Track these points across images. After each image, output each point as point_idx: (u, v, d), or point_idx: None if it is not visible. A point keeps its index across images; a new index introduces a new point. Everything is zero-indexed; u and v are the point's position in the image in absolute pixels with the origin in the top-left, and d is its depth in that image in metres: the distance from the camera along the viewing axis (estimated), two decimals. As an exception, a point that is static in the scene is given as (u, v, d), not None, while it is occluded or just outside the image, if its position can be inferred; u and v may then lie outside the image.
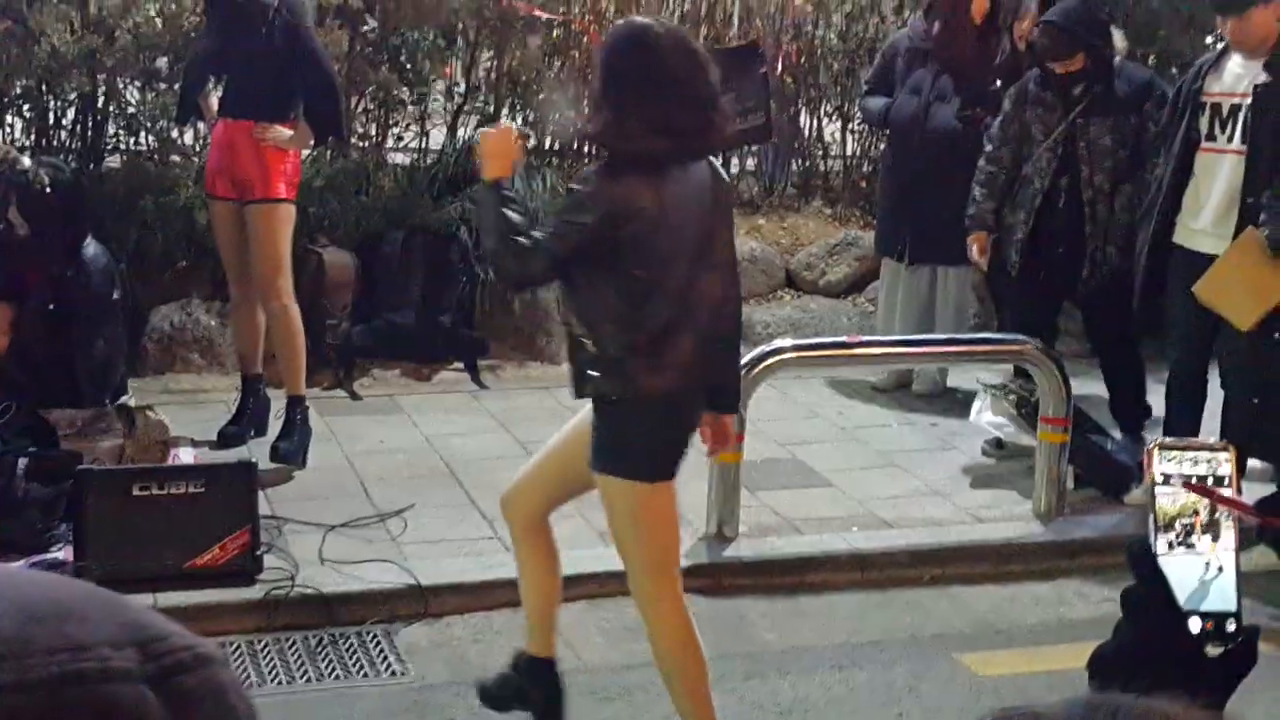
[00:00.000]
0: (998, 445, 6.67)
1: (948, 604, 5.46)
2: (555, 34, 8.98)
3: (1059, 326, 6.95)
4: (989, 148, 6.64)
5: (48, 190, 5.89)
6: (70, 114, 8.04)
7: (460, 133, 8.79)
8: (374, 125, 8.70)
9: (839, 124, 9.74)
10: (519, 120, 9.03)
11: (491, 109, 8.89)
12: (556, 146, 9.21)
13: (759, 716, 4.51)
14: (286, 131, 6.25)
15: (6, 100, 7.75)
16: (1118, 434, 6.58)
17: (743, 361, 5.63)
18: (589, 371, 3.83)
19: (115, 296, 6.13)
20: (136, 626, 0.61)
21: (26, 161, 6.03)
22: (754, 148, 9.44)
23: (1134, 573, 1.38)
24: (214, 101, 6.50)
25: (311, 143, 6.59)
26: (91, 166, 7.93)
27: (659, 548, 4.03)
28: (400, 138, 8.82)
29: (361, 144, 8.62)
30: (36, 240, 5.87)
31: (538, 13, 8.74)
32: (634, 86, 3.67)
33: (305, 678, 4.68)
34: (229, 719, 0.62)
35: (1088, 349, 7.27)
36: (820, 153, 9.78)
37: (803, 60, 9.47)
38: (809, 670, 4.84)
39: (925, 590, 5.55)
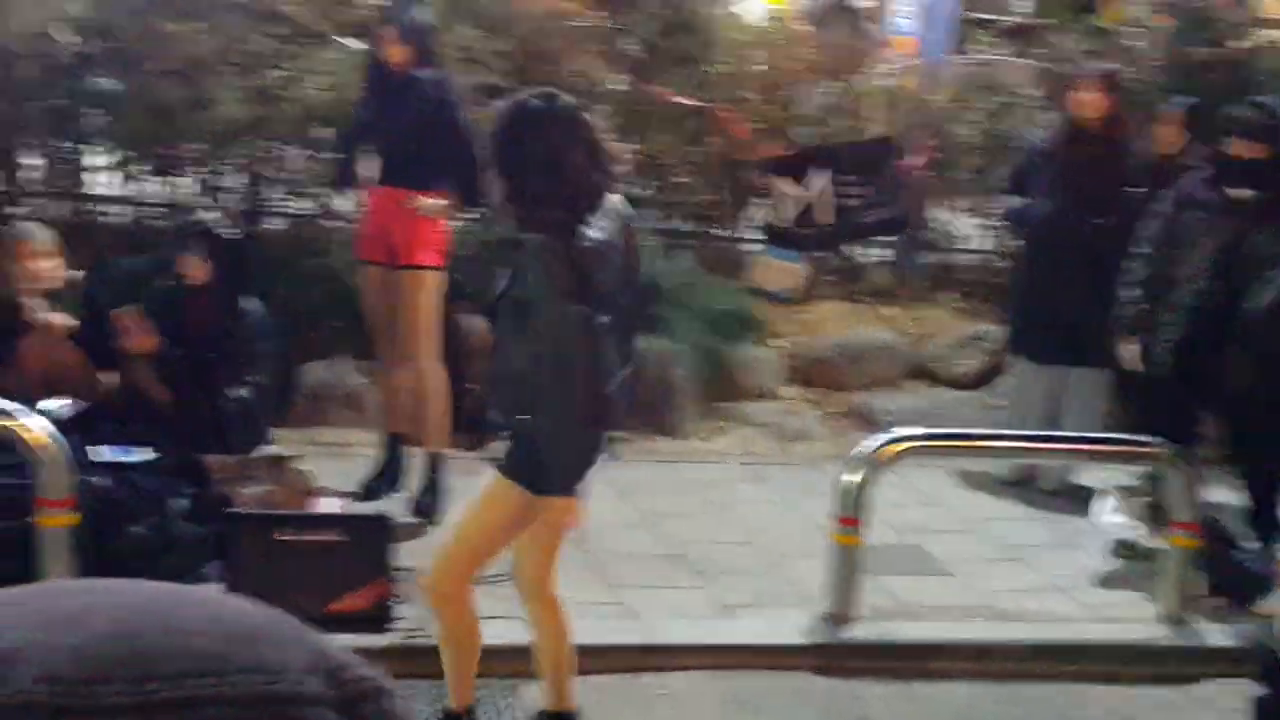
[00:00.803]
0: (1129, 546, 6.58)
1: (1065, 701, 5.41)
2: (698, 123, 9.12)
3: (1201, 431, 6.84)
4: (1144, 249, 6.58)
5: (222, 241, 6.18)
6: (237, 178, 8.34)
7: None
8: (521, 200, 8.86)
9: (975, 220, 9.74)
10: (657, 202, 9.18)
11: (632, 190, 9.04)
12: (692, 228, 9.34)
13: (871, 796, 4.51)
14: (437, 201, 6.44)
15: (180, 161, 8.06)
16: (1251, 543, 6.45)
17: (867, 447, 5.69)
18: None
19: (268, 350, 6.35)
20: (322, 654, 0.64)
21: (206, 215, 6.33)
22: (888, 239, 9.48)
23: (1266, 681, 1.40)
24: (370, 170, 6.71)
25: (457, 212, 6.78)
26: (254, 227, 8.20)
27: (494, 548, 4.31)
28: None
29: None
30: (203, 288, 6.13)
31: (679, 99, 8.89)
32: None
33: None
34: None
35: (1222, 455, 7.15)
36: (955, 248, 9.77)
37: (940, 155, 9.50)
38: (922, 754, 4.82)
39: (1043, 685, 5.50)
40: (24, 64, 7.78)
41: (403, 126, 6.42)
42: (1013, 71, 10.56)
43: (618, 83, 8.88)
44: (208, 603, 0.65)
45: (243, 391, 6.28)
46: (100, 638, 0.59)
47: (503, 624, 5.29)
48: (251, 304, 6.30)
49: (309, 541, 5.23)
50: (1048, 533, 6.97)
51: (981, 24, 11.99)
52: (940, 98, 9.59)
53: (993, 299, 9.42)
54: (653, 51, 8.81)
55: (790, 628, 5.59)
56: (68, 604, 0.61)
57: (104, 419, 6.06)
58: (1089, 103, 7.18)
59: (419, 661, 5.05)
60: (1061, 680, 5.54)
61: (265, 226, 8.30)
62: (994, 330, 8.93)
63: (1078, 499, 7.36)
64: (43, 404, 5.95)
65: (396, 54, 6.31)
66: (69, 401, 6.05)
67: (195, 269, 6.27)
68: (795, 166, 8.76)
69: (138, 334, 6.20)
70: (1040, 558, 6.58)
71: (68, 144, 8.22)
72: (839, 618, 5.65)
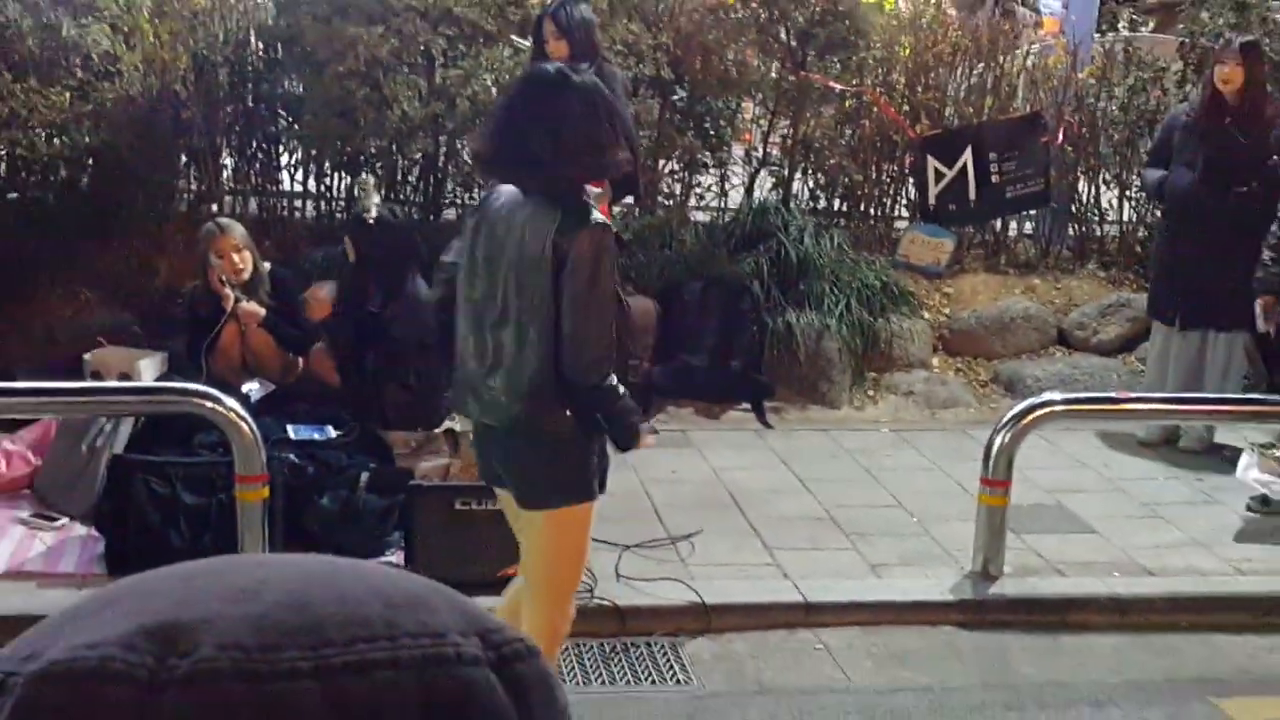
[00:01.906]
0: (1264, 502, 6.43)
1: (1206, 650, 5.31)
2: (848, 103, 9.08)
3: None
4: None
5: (377, 224, 6.37)
6: (415, 172, 8.52)
7: (756, 193, 8.96)
8: (679, 185, 8.94)
9: (1116, 191, 9.54)
10: (811, 182, 9.16)
11: (786, 172, 9.04)
12: (845, 208, 9.30)
13: (1016, 745, 4.48)
14: (595, 189, 6.50)
15: (363, 158, 8.25)
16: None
17: (1013, 412, 5.64)
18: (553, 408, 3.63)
19: (430, 327, 6.50)
20: (474, 617, 0.63)
21: (373, 201, 6.51)
22: (1033, 212, 9.33)
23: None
24: None
25: (613, 200, 6.84)
26: (431, 218, 8.38)
27: (575, 571, 3.92)
28: (702, 197, 9.04)
29: (667, 202, 8.87)
30: (361, 268, 6.32)
31: (832, 84, 8.85)
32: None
33: (599, 680, 4.85)
34: (554, 706, 0.63)
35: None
36: (1097, 218, 9.58)
37: (1084, 130, 9.32)
38: (1066, 705, 4.77)
39: (1183, 636, 5.40)
40: (220, 71, 8.04)
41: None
42: (1155, 47, 10.30)
43: (773, 70, 8.86)
44: (369, 574, 0.65)
45: (409, 370, 6.50)
46: (276, 607, 0.60)
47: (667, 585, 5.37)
48: (420, 288, 6.47)
49: (486, 511, 5.32)
50: (1188, 490, 6.82)
51: (1123, 1, 11.68)
52: (1084, 75, 9.39)
53: (1134, 268, 9.23)
54: (805, 39, 8.77)
55: (939, 585, 5.56)
56: (243, 577, 0.63)
57: (296, 400, 6.26)
58: (1230, 75, 6.98)
59: (588, 621, 5.16)
60: (1201, 631, 5.43)
61: (443, 219, 8.45)
62: (1135, 298, 8.75)
63: (1218, 458, 7.19)
64: (244, 387, 6.19)
65: (557, 49, 6.38)
66: (262, 384, 6.26)
67: (350, 252, 6.48)
68: (944, 145, 8.65)
69: (319, 305, 6.42)
70: (1180, 514, 6.45)
71: (260, 144, 8.46)
72: (985, 575, 5.61)
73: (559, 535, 3.78)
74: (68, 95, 7.64)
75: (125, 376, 6.59)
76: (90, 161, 7.92)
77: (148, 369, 6.69)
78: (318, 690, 0.58)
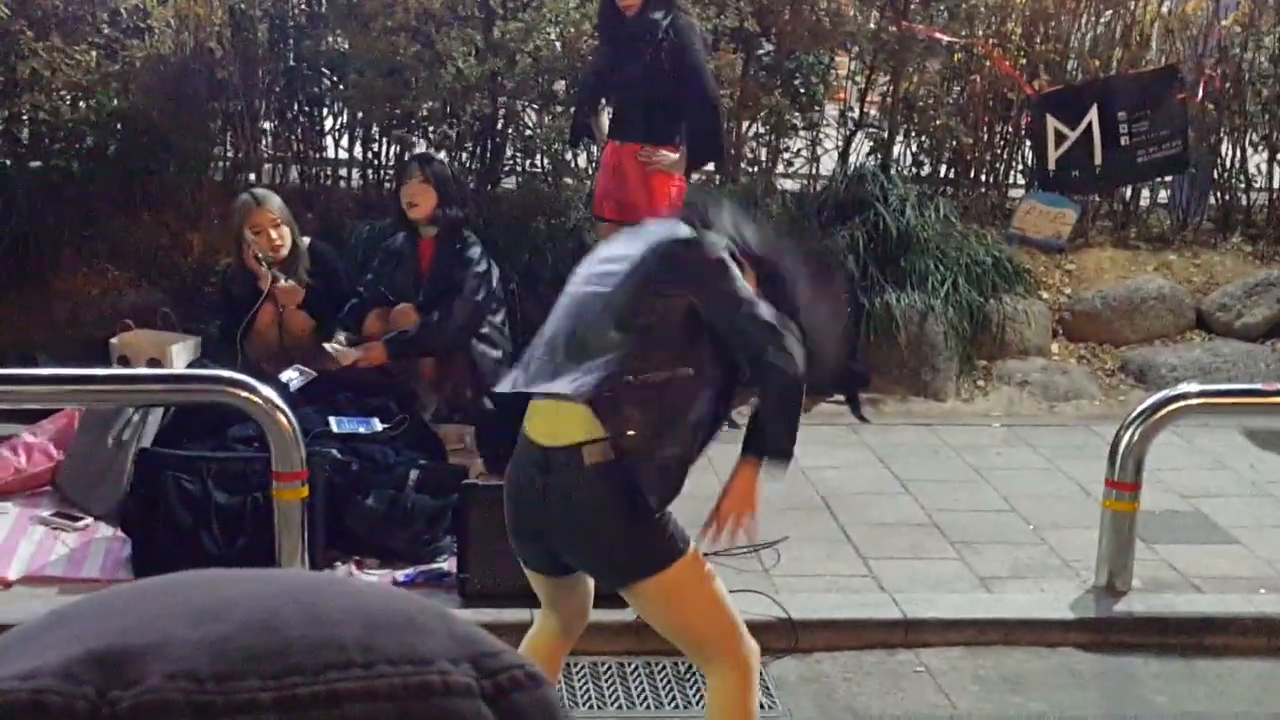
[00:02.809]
0: None
1: (1365, 679, 5.20)
2: (956, 57, 8.97)
3: None
4: None
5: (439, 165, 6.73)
6: (471, 137, 8.53)
7: (852, 158, 8.88)
8: (764, 149, 8.88)
9: (1266, 154, 9.36)
10: (914, 146, 9.07)
11: (885, 134, 8.95)
12: (952, 174, 9.20)
13: (1144, 783, 4.41)
14: (670, 155, 6.48)
15: (414, 122, 8.27)
16: None
17: (1144, 405, 5.55)
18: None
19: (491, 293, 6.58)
20: (469, 641, 0.62)
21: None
22: (1167, 179, 9.18)
23: None
24: (605, 123, 6.79)
25: (692, 165, 6.80)
26: (490, 188, 8.39)
27: (717, 611, 3.64)
28: (790, 162, 8.98)
29: (751, 169, 8.82)
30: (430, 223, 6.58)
31: (938, 35, 8.75)
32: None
33: (672, 704, 4.83)
34: None
35: None
36: (1243, 185, 9.41)
37: (1227, 85, 9.15)
38: (1202, 738, 4.69)
39: (1339, 662, 5.30)
40: (259, 27, 8.08)
41: (635, 75, 6.46)
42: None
43: (871, 19, 8.78)
44: (349, 590, 0.64)
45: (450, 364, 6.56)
46: (238, 630, 0.58)
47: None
48: (475, 250, 6.57)
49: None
50: (1348, 496, 6.69)
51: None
52: (1228, 22, 9.21)
53: (1285, 241, 9.07)
54: (907, -16, 8.70)
55: (1056, 601, 5.48)
56: (203, 595, 0.61)
57: (339, 389, 6.29)
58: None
59: (660, 638, 5.13)
60: (1362, 659, 5.32)
61: (501, 188, 8.46)
62: (1286, 275, 8.60)
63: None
64: (283, 375, 6.22)
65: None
66: (302, 372, 6.29)
67: (417, 192, 6.48)
68: (1066, 103, 8.51)
69: (371, 354, 6.49)
70: (1339, 524, 6.32)
71: (301, 107, 8.50)
72: (1110, 590, 5.52)
73: (671, 606, 3.63)
74: (94, 54, 7.73)
75: (155, 363, 6.66)
76: (118, 127, 8.01)
77: (179, 355, 6.76)
78: None
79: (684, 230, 3.56)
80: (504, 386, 3.67)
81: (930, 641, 5.27)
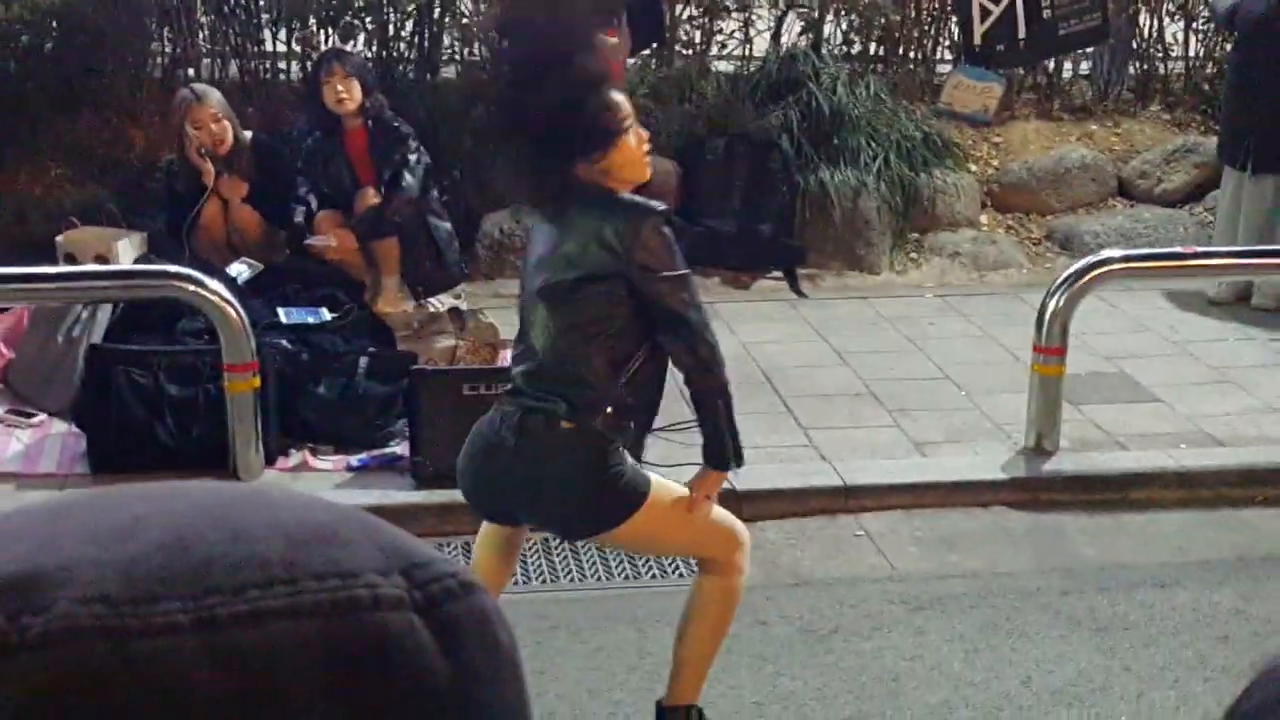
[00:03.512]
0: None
1: (1281, 526, 5.28)
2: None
3: None
4: None
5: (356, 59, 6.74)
6: (408, 26, 8.37)
7: (784, 39, 8.78)
8: (698, 33, 8.77)
9: (1182, 23, 9.33)
10: (843, 25, 8.97)
11: (816, 14, 8.85)
12: (881, 52, 9.11)
13: (1075, 632, 4.46)
14: (610, 39, 6.38)
15: (350, 14, 8.11)
16: None
17: (1068, 272, 5.56)
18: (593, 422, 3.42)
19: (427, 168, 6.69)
20: (398, 552, 0.58)
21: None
22: (1088, 50, 9.13)
23: None
24: None
25: (631, 49, 6.72)
26: (428, 77, 8.25)
27: (699, 528, 3.60)
28: (724, 45, 8.87)
29: (686, 51, 8.71)
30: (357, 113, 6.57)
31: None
32: None
33: (622, 575, 4.86)
34: (494, 650, 0.59)
35: None
36: (1160, 54, 9.38)
37: (1144, -44, 9.09)
38: (1129, 588, 4.75)
39: (1257, 511, 5.36)
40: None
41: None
42: None
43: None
44: (269, 503, 0.59)
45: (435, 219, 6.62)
46: (153, 549, 0.54)
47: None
48: (403, 126, 6.61)
49: (497, 395, 5.29)
50: (1263, 353, 6.75)
51: None
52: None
53: (1201, 108, 9.05)
54: None
55: (988, 463, 5.52)
56: (116, 514, 0.56)
57: (286, 280, 6.21)
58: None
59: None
60: (1277, 506, 5.38)
61: (440, 77, 8.32)
62: (1203, 142, 8.60)
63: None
64: (231, 268, 6.14)
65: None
66: (249, 264, 6.22)
67: (344, 87, 6.43)
68: (988, -22, 8.43)
69: (341, 245, 6.44)
70: (1255, 379, 6.38)
71: (238, 1, 8.31)
72: (1039, 450, 5.56)
73: (647, 542, 3.70)
74: (26, -48, 7.52)
75: (102, 259, 6.54)
76: (54, 25, 7.81)
77: (125, 250, 6.64)
78: (200, 647, 0.52)
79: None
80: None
81: (869, 506, 5.31)
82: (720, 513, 3.65)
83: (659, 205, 3.45)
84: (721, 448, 3.51)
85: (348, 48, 6.70)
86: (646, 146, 3.52)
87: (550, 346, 3.43)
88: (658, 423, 3.62)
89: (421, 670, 0.55)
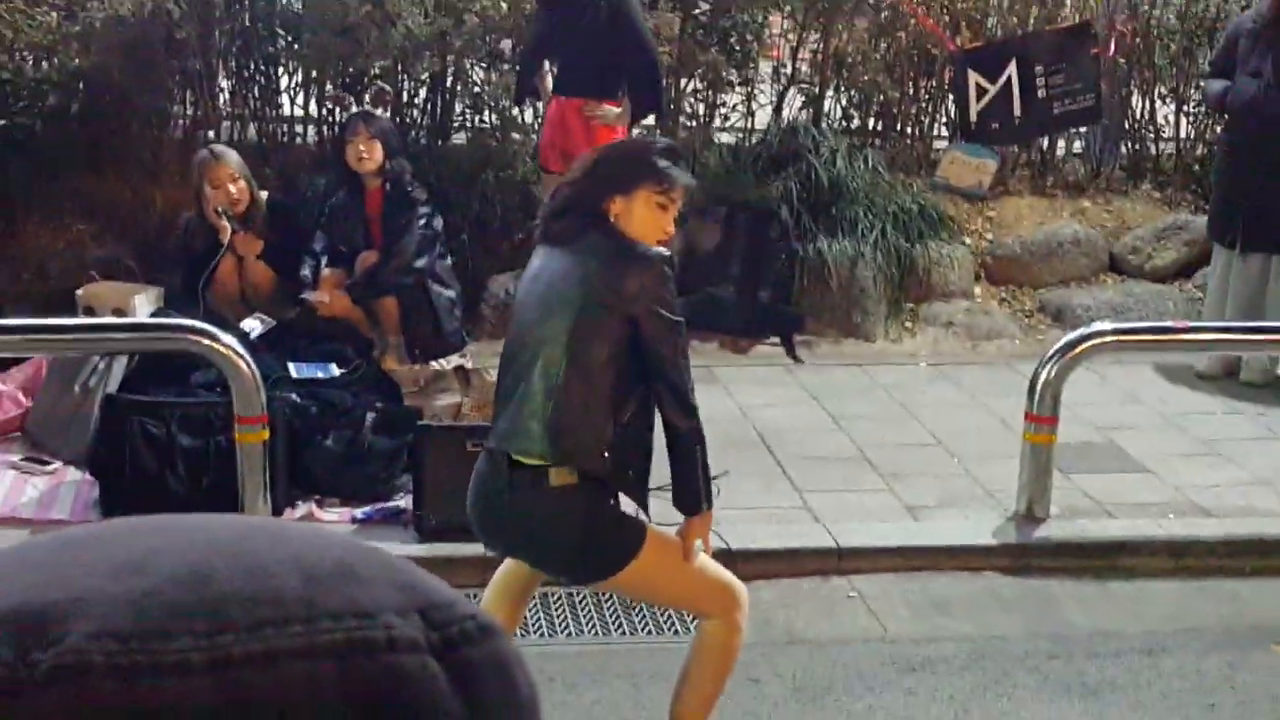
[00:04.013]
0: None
1: (1268, 596, 5.23)
2: (883, 15, 8.92)
3: None
4: None
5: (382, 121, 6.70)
6: (422, 93, 8.42)
7: (785, 113, 8.84)
8: (702, 105, 8.82)
9: (1173, 106, 9.38)
10: (843, 100, 9.03)
11: (817, 89, 8.91)
12: (879, 127, 9.17)
13: (1064, 696, 4.43)
14: (614, 109, 6.45)
15: (366, 80, 8.16)
16: None
17: (1060, 343, 5.56)
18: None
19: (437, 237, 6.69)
20: (417, 592, 0.56)
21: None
22: (1081, 129, 9.19)
23: None
24: (549, 81, 6.73)
25: (632, 119, 6.77)
26: (440, 142, 8.30)
27: (698, 580, 3.60)
28: (727, 117, 8.92)
29: (690, 123, 8.76)
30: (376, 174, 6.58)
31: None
32: None
33: (619, 630, 4.82)
34: (513, 695, 0.57)
35: None
36: (1152, 135, 9.43)
37: (1137, 40, 9.15)
38: (1117, 654, 4.72)
39: (1245, 581, 5.33)
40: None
41: (576, 32, 6.40)
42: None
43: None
44: (285, 538, 0.57)
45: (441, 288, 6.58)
46: (167, 583, 0.52)
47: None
48: (419, 191, 6.62)
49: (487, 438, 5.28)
50: (1250, 426, 6.74)
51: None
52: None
53: (1191, 187, 9.09)
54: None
55: (980, 528, 5.50)
56: (129, 546, 0.54)
57: (298, 336, 6.22)
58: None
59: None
60: (1263, 576, 5.36)
61: (451, 143, 8.37)
62: (1193, 220, 8.63)
63: (1282, 391, 7.11)
64: (244, 323, 6.15)
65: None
66: (262, 321, 6.23)
67: (366, 147, 6.43)
68: (986, 58, 8.50)
69: (334, 303, 6.45)
70: (1242, 452, 6.36)
71: (258, 66, 8.37)
72: (1030, 517, 5.54)
73: (645, 588, 3.67)
74: (55, 16, 7.57)
75: (119, 312, 6.56)
76: (80, 86, 7.85)
77: (142, 304, 6.66)
78: (211, 687, 0.50)
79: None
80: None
81: (862, 568, 5.28)
82: (719, 569, 3.64)
83: (664, 251, 3.47)
84: (696, 493, 3.52)
85: (376, 111, 6.72)
86: (669, 230, 3.54)
87: (546, 387, 3.42)
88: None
89: (437, 715, 0.53)
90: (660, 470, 3.60)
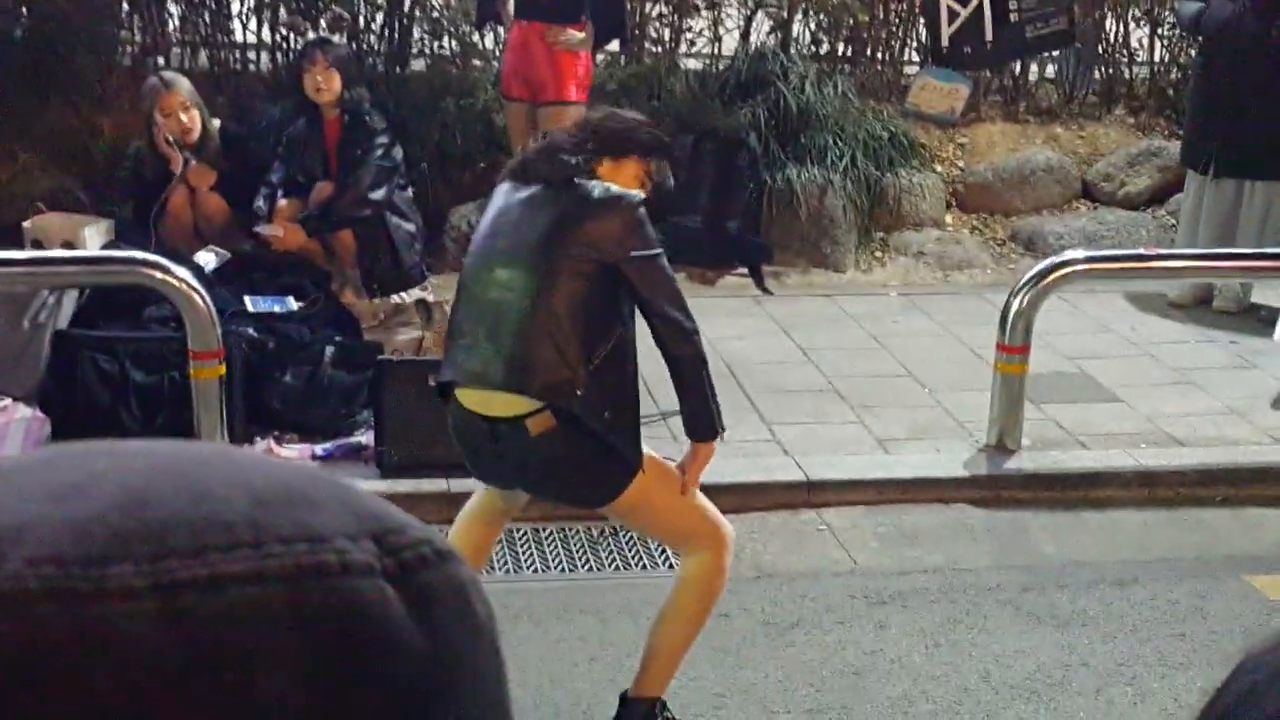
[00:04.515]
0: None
1: (1240, 526, 5.29)
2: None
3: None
4: None
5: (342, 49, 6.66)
6: (379, 18, 8.33)
7: (753, 38, 8.78)
8: (667, 30, 8.75)
9: (1147, 29, 9.37)
10: (812, 25, 8.97)
11: (785, 13, 8.85)
12: (849, 52, 9.12)
13: (1035, 628, 4.47)
14: (577, 34, 6.39)
15: (321, 3, 8.07)
16: None
17: (1032, 272, 5.57)
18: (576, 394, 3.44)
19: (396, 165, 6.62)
20: (371, 516, 0.55)
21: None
22: (1054, 54, 9.16)
23: None
24: (511, 5, 6.66)
25: (595, 44, 6.72)
26: (398, 69, 8.22)
27: (694, 513, 3.66)
28: (693, 42, 8.86)
29: (655, 48, 8.69)
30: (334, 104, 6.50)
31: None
32: None
33: (585, 566, 4.84)
34: (470, 622, 0.56)
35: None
36: (1125, 59, 9.42)
37: (1111, -39, 9.12)
38: (1089, 585, 4.76)
39: (1216, 511, 5.39)
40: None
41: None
42: None
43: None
44: (234, 462, 0.55)
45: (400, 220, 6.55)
46: (109, 508, 0.50)
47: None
48: (377, 121, 6.55)
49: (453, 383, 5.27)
50: (1223, 355, 6.78)
51: None
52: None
53: (1165, 112, 9.10)
54: None
55: (950, 460, 5.53)
56: (73, 471, 0.53)
57: (254, 268, 6.18)
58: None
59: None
60: (1235, 505, 5.41)
61: (410, 70, 8.29)
62: (1167, 146, 8.63)
63: (1254, 319, 7.14)
64: (198, 256, 6.10)
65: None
66: (216, 253, 6.18)
67: (323, 77, 6.38)
68: (956, -19, 8.45)
69: (288, 237, 6.38)
70: (1214, 381, 6.41)
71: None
72: (1001, 448, 5.57)
73: (643, 515, 3.67)
74: (-5, -63, 7.45)
75: (69, 245, 6.48)
76: (23, 11, 7.73)
77: (92, 237, 6.58)
78: (156, 612, 0.48)
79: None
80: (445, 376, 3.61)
81: (831, 501, 5.31)
82: (713, 508, 3.71)
83: (637, 194, 3.51)
84: (709, 417, 3.59)
85: (333, 38, 6.64)
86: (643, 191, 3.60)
87: (519, 325, 3.42)
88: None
89: (392, 641, 0.52)
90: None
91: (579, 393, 3.40)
